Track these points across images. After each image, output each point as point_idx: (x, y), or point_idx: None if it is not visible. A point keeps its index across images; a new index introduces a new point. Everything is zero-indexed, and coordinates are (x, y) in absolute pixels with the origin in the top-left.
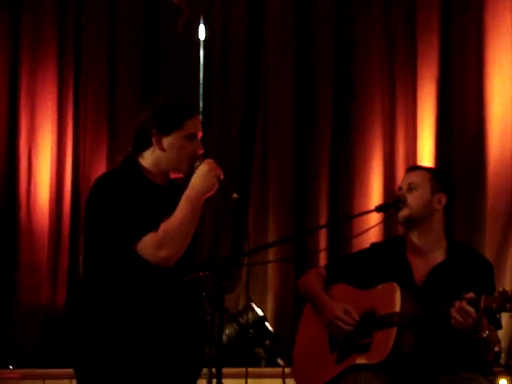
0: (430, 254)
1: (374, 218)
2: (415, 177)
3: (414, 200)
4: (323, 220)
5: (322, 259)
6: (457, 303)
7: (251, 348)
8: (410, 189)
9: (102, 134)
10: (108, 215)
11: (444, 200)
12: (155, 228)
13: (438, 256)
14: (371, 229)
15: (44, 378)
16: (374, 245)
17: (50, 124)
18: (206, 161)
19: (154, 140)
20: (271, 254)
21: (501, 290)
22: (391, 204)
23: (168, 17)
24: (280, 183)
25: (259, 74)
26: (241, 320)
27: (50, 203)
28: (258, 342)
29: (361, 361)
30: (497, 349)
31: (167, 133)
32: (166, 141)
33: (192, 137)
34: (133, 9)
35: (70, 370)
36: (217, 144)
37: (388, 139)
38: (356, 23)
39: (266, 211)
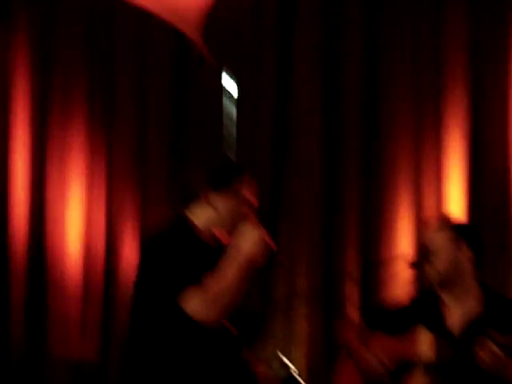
0: (464, 304)
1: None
2: (433, 236)
3: (437, 266)
4: (352, 266)
5: (351, 306)
6: (483, 343)
7: None
8: (432, 252)
9: (133, 188)
10: (157, 280)
11: (469, 253)
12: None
13: (473, 306)
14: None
15: None
16: (412, 301)
17: (80, 176)
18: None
19: (203, 196)
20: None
21: None
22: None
23: (198, 72)
24: (307, 229)
25: (288, 128)
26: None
27: (83, 256)
28: None
29: None
30: None
31: (217, 189)
32: (217, 199)
33: (241, 197)
34: (162, 64)
35: None
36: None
37: (416, 184)
38: (384, 74)
39: (295, 258)
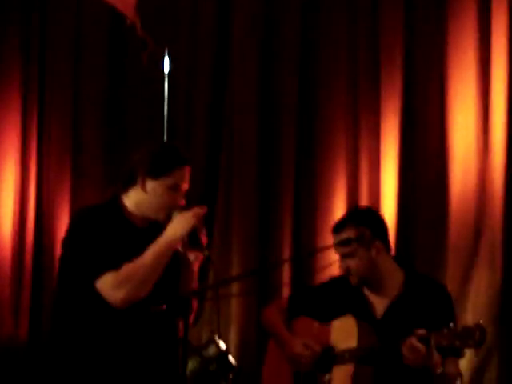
0: (386, 289)
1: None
2: (343, 244)
3: (354, 269)
4: (287, 253)
5: (285, 292)
6: (407, 340)
7: (215, 382)
8: (344, 256)
9: (66, 163)
10: (76, 251)
11: (380, 245)
12: (118, 268)
13: (395, 289)
14: (333, 263)
15: None
16: (333, 279)
17: (13, 157)
18: (186, 212)
19: (139, 180)
20: (234, 288)
21: (450, 326)
22: (354, 238)
23: (133, 50)
24: (244, 217)
25: (223, 109)
26: (204, 354)
27: (13, 237)
28: (221, 375)
29: None
30: (459, 383)
31: (154, 177)
32: (151, 184)
33: (176, 187)
34: (97, 42)
35: None
36: None
37: (351, 173)
38: (320, 62)
39: (230, 245)
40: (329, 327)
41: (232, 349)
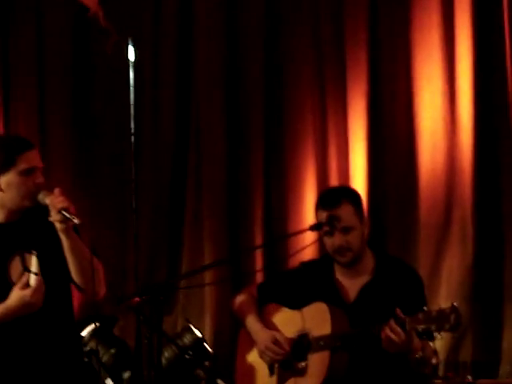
0: (358, 273)
1: (309, 236)
2: (345, 217)
3: (354, 243)
4: (259, 239)
5: (259, 279)
6: (385, 326)
7: (191, 370)
8: (345, 230)
9: None
10: None
11: (368, 222)
12: None
13: (367, 274)
14: (306, 247)
15: None
16: (303, 263)
17: None
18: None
19: None
20: (207, 276)
21: (425, 309)
22: (325, 222)
23: (97, 39)
24: (214, 204)
25: (190, 94)
26: (179, 342)
27: None
28: (197, 363)
29: None
30: (434, 361)
31: (2, 171)
32: (4, 180)
33: (28, 171)
34: (61, 32)
35: None
36: (148, 166)
37: (320, 156)
38: (285, 45)
39: (201, 233)
40: (301, 313)
41: (207, 337)
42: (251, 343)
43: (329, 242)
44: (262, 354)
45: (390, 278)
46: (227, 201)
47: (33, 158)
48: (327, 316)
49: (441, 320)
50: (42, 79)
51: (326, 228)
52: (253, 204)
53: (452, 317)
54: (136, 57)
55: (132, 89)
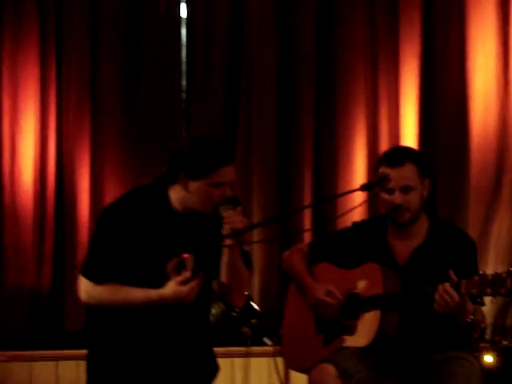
0: (411, 234)
1: (359, 196)
2: (408, 177)
3: (413, 203)
4: (308, 199)
5: (307, 239)
6: (440, 287)
7: (237, 327)
8: (405, 190)
9: (85, 114)
10: (100, 243)
11: (428, 185)
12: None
13: (420, 236)
14: (356, 208)
15: (30, 360)
16: (355, 224)
17: (33, 106)
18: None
19: (180, 181)
20: (256, 235)
21: (481, 273)
22: (376, 183)
23: None
24: (263, 163)
25: (241, 53)
26: (226, 300)
27: (34, 185)
28: (244, 321)
29: (347, 343)
30: (482, 325)
31: (194, 178)
32: (193, 185)
33: (219, 185)
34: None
35: (56, 352)
36: (200, 122)
37: (371, 117)
38: (338, 5)
39: (251, 192)
40: (352, 273)
41: (254, 295)
42: (300, 301)
43: (388, 199)
44: (314, 307)
45: (443, 241)
46: (277, 161)
47: (227, 173)
48: (379, 276)
49: (497, 284)
50: (95, 42)
51: (384, 184)
52: (303, 164)
53: (508, 281)
54: (188, 14)
55: (184, 46)
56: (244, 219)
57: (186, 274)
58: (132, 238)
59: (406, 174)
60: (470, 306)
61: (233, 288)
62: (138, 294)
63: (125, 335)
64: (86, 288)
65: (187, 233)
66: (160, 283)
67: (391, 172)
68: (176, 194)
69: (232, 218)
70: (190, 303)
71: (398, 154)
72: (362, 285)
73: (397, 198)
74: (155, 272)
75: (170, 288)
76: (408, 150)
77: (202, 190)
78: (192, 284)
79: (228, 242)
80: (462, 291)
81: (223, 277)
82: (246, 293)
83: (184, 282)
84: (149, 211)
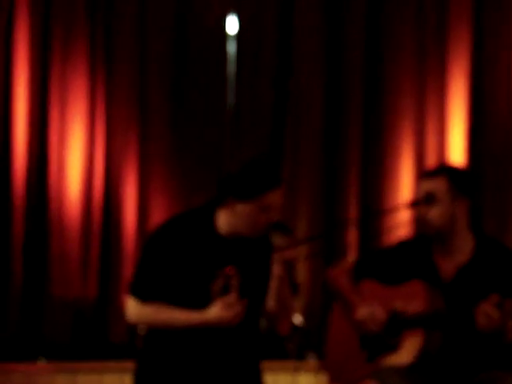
0: (457, 252)
1: (404, 213)
2: (434, 187)
3: (434, 218)
4: (353, 214)
5: (351, 254)
6: (481, 305)
7: (282, 342)
8: (428, 201)
9: (133, 128)
10: (145, 260)
11: (466, 203)
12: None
13: (465, 254)
14: (402, 224)
15: (75, 371)
16: (402, 243)
17: (81, 119)
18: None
19: (229, 204)
20: (301, 250)
21: None
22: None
23: (199, 10)
24: (310, 178)
25: (290, 69)
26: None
27: (81, 197)
28: (288, 336)
29: (391, 361)
30: None
31: (242, 201)
32: (240, 208)
33: (267, 208)
34: (163, 3)
35: (100, 364)
36: (247, 138)
37: (418, 132)
38: (387, 18)
39: (296, 206)
40: (397, 291)
41: (298, 310)
42: (345, 317)
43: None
44: (357, 325)
45: (490, 260)
46: (324, 175)
47: (276, 196)
48: (423, 294)
49: None
50: (143, 55)
51: (430, 201)
52: (349, 178)
53: None
54: (238, 29)
55: (233, 61)
56: (295, 251)
57: (231, 297)
58: (176, 258)
59: (434, 184)
60: (511, 324)
61: (279, 316)
62: (180, 315)
63: (170, 352)
64: (131, 307)
65: (232, 257)
66: (204, 306)
67: (422, 183)
68: (224, 218)
69: (284, 248)
70: (234, 327)
71: (436, 168)
72: (406, 303)
73: (418, 209)
74: (198, 294)
75: (214, 312)
76: (449, 166)
77: (249, 214)
78: (236, 309)
79: (278, 270)
80: (506, 310)
81: (270, 305)
82: (292, 321)
83: (229, 306)
84: (193, 234)
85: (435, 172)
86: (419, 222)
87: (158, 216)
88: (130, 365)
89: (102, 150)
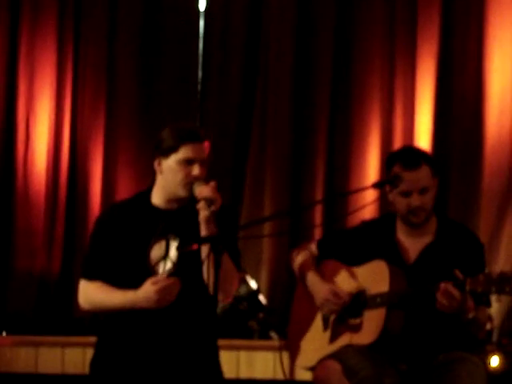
0: (420, 234)
1: (370, 194)
2: (425, 179)
3: (428, 204)
4: (319, 195)
5: (317, 234)
6: (442, 285)
7: (244, 320)
8: (423, 191)
9: (100, 100)
10: (91, 245)
11: (438, 183)
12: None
13: (429, 235)
14: (367, 206)
15: (38, 344)
16: (364, 222)
17: (49, 91)
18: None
19: (155, 163)
20: (266, 228)
21: (486, 272)
22: (388, 181)
23: None
24: (277, 157)
25: (259, 46)
26: (234, 293)
27: (47, 170)
28: (251, 314)
29: (352, 341)
30: (488, 327)
31: (165, 155)
32: (165, 164)
33: (188, 161)
34: None
35: (63, 338)
36: (215, 115)
37: (386, 115)
38: (358, 2)
39: (263, 185)
40: (359, 271)
41: (263, 289)
42: (307, 298)
43: (404, 202)
44: (320, 306)
45: (452, 241)
46: (290, 155)
47: (196, 150)
48: (386, 274)
49: (502, 282)
50: (112, 30)
51: (397, 183)
52: (315, 159)
53: None
54: (207, 6)
55: (201, 38)
56: (214, 189)
57: (161, 277)
58: (116, 236)
59: (423, 175)
60: (470, 303)
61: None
62: (116, 295)
63: (121, 330)
64: (80, 289)
65: (166, 227)
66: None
67: (408, 174)
68: (157, 187)
69: (204, 189)
70: (174, 304)
71: (414, 156)
72: (367, 283)
73: (415, 200)
74: (138, 268)
75: (143, 288)
76: (421, 151)
77: (172, 169)
78: (161, 287)
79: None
80: (467, 289)
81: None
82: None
83: (157, 284)
84: (131, 211)
85: (417, 161)
86: (414, 212)
87: (123, 191)
88: (92, 339)
89: (68, 125)
